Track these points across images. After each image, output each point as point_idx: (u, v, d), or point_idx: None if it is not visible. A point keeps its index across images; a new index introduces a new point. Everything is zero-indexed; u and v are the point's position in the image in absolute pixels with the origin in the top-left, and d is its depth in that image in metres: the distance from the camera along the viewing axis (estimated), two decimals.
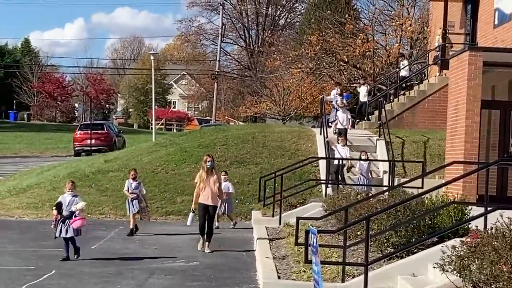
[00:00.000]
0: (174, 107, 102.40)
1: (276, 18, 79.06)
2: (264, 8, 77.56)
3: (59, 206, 15.15)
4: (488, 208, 11.95)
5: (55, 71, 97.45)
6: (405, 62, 32.63)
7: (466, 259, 9.77)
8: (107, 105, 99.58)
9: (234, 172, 24.94)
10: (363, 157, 22.51)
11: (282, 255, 14.80)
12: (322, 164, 23.39)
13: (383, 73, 40.38)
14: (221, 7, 72.55)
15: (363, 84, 30.95)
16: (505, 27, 23.48)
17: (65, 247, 15.20)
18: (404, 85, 31.62)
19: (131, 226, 19.12)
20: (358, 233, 13.81)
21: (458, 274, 9.83)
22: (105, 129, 48.01)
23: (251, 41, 78.37)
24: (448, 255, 10.10)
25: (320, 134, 26.12)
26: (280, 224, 19.32)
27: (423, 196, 13.04)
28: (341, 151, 23.15)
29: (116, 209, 22.80)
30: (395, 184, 20.14)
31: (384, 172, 22.89)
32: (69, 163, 33.00)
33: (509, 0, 23.46)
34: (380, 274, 11.76)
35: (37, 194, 24.72)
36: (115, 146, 45.25)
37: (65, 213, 15.11)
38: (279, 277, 12.59)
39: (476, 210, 12.88)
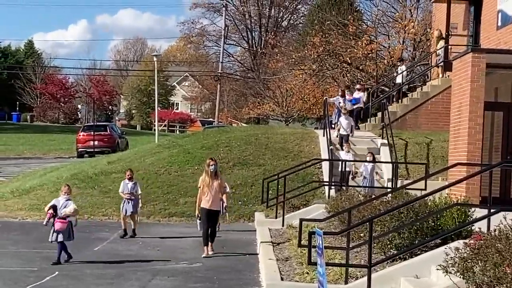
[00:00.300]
0: (177, 108, 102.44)
1: (279, 19, 79.12)
2: (267, 10, 77.64)
3: (54, 208, 15.05)
4: (492, 210, 11.94)
5: (58, 73, 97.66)
6: (403, 67, 32.56)
7: (469, 261, 9.75)
8: (110, 107, 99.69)
9: (237, 174, 24.96)
10: (368, 158, 22.40)
11: (285, 256, 14.79)
12: (325, 165, 23.36)
13: (386, 75, 40.34)
14: (224, 8, 72.60)
15: (359, 89, 30.23)
16: (508, 29, 23.46)
17: (58, 250, 15.07)
18: (402, 90, 31.36)
19: (123, 227, 19.02)
20: (361, 234, 13.80)
21: (462, 276, 9.82)
22: (108, 131, 48.01)
23: (254, 42, 78.44)
24: (451, 257, 10.08)
25: (323, 135, 26.12)
26: (283, 225, 19.30)
27: (426, 198, 13.02)
28: (344, 158, 22.88)
29: (119, 211, 22.74)
30: (398, 186, 20.11)
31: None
32: (72, 165, 33.03)
33: None
34: (383, 275, 11.75)
35: (40, 195, 24.74)
36: (118, 148, 45.24)
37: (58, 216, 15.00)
38: (282, 279, 12.59)
39: (479, 212, 12.86)
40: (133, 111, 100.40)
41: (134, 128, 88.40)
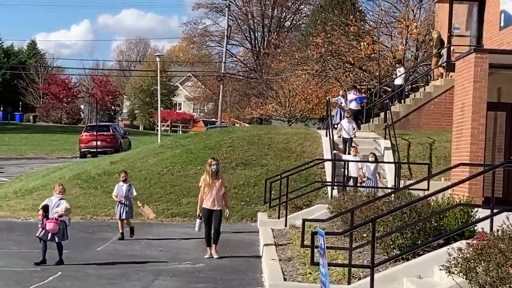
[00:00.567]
0: (180, 108, 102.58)
1: (282, 20, 79.06)
2: (270, 10, 77.57)
3: (45, 208, 14.98)
4: (494, 210, 11.95)
5: (61, 73, 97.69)
6: (402, 70, 32.52)
7: (472, 261, 9.75)
8: (112, 107, 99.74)
9: (240, 174, 24.97)
10: (370, 159, 22.36)
11: (288, 257, 14.79)
12: (328, 166, 23.36)
13: (388, 75, 40.32)
14: (226, 9, 72.60)
15: (359, 90, 30.12)
16: (511, 29, 23.42)
17: (42, 249, 14.94)
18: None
19: (120, 230, 18.78)
20: (364, 235, 13.79)
21: (464, 276, 9.82)
22: (111, 131, 48.01)
23: (256, 43, 78.38)
24: (454, 257, 10.09)
25: (326, 136, 26.12)
26: (285, 226, 19.32)
27: (429, 198, 13.03)
28: (351, 162, 22.56)
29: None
30: (401, 186, 20.09)
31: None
32: (75, 165, 33.04)
33: None
34: (386, 276, 11.75)
35: (43, 195, 24.67)
36: (121, 148, 45.26)
37: (50, 215, 14.90)
38: (285, 279, 12.60)
39: (482, 212, 12.86)
40: (136, 111, 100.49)
41: (137, 128, 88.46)
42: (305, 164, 23.05)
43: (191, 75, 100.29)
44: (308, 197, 22.53)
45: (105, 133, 47.03)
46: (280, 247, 16.12)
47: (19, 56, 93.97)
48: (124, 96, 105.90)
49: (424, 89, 29.70)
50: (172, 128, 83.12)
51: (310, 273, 12.72)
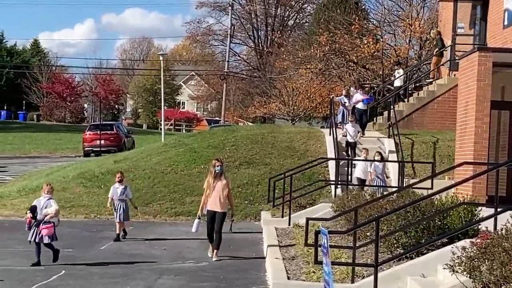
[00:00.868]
0: (183, 107, 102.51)
1: (285, 18, 79.04)
2: (273, 9, 77.56)
3: (33, 210, 14.80)
4: (498, 209, 11.91)
5: (65, 72, 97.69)
6: (401, 71, 32.37)
7: (476, 260, 9.74)
8: (116, 106, 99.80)
9: (244, 173, 24.97)
10: (377, 158, 22.28)
11: (292, 255, 14.78)
12: (332, 164, 23.36)
13: (392, 74, 40.29)
14: (230, 7, 72.58)
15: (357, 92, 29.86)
16: None
17: (36, 252, 14.86)
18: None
19: (117, 231, 18.56)
20: (368, 234, 13.80)
21: (468, 275, 9.81)
22: (115, 130, 48.04)
23: (260, 41, 78.37)
24: (458, 256, 10.07)
25: (330, 134, 26.11)
26: (289, 224, 19.30)
27: (432, 197, 13.00)
28: (364, 164, 22.32)
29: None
30: (404, 185, 20.07)
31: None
32: (79, 164, 33.07)
33: None
34: (389, 275, 11.74)
35: None
36: (124, 147, 45.30)
37: (39, 216, 14.73)
38: (288, 278, 12.59)
39: (486, 211, 12.83)
40: (140, 110, 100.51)
41: (140, 127, 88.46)
42: (308, 163, 23.04)
43: (194, 74, 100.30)
44: (312, 196, 22.52)
45: (108, 132, 47.08)
46: (284, 246, 16.10)
47: (22, 55, 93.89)
48: (128, 95, 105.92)
49: (428, 88, 29.68)
50: (176, 127, 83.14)
51: (313, 272, 12.71)
